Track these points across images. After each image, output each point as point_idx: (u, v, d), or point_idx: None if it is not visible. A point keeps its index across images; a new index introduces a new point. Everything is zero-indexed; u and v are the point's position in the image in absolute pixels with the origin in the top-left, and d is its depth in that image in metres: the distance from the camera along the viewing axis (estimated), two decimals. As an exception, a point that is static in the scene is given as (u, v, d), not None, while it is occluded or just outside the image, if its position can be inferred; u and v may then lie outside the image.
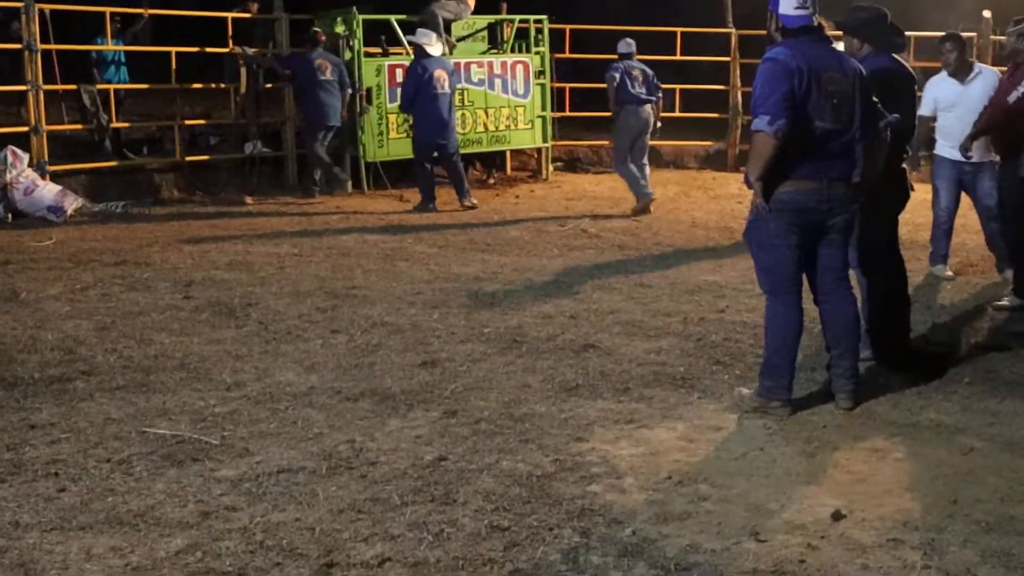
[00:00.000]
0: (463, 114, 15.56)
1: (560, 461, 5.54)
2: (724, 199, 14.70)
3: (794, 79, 5.99)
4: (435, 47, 13.96)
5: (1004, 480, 5.38)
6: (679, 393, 6.64)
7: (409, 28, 14.94)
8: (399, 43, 15.25)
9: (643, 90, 13.59)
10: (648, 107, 13.61)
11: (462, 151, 14.88)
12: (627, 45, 14.00)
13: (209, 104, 17.79)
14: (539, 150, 17.00)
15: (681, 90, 18.58)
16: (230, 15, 15.74)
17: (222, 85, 16.08)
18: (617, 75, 13.54)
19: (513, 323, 8.20)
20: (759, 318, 6.89)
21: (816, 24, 6.23)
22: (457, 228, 12.38)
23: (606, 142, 17.95)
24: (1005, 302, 8.67)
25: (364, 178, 15.20)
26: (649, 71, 13.76)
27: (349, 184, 14.95)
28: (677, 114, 18.47)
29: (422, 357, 7.32)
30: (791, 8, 6.21)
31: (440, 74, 13.73)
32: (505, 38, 16.41)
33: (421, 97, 13.65)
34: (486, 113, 15.75)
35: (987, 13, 17.16)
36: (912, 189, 7.40)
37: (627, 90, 13.49)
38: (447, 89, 13.76)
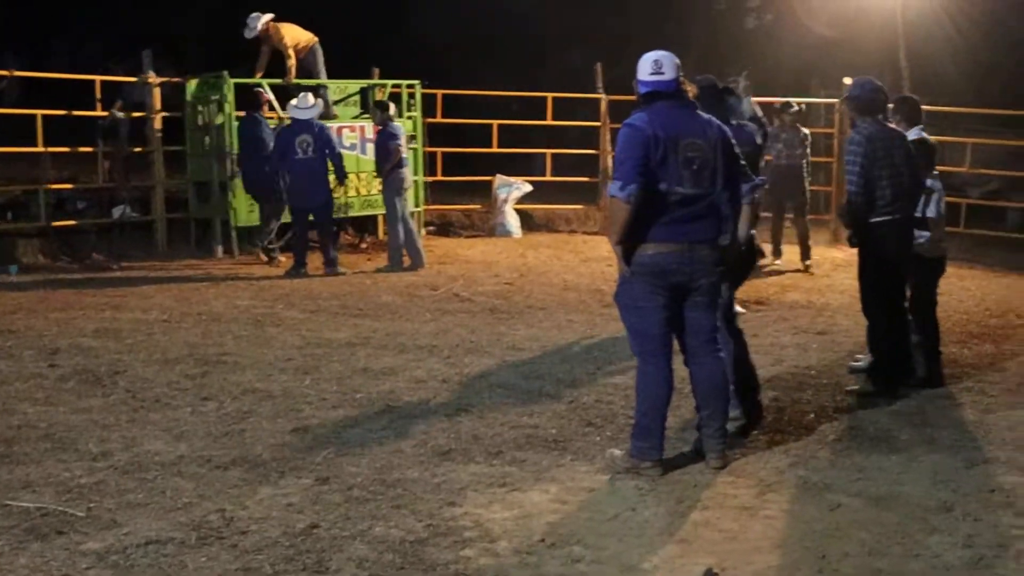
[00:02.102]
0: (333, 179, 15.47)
1: (433, 526, 5.51)
2: (595, 262, 14.85)
3: (649, 146, 6.09)
4: (304, 111, 13.94)
5: (871, 534, 5.47)
6: (551, 455, 6.66)
7: (282, 92, 14.99)
8: (271, 107, 15.22)
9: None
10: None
11: (339, 216, 15.01)
12: (388, 107, 14.58)
13: (76, 168, 17.50)
14: (412, 214, 16.98)
15: (552, 154, 18.77)
16: (99, 78, 15.55)
17: (90, 149, 15.85)
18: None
19: (385, 388, 8.17)
20: (630, 380, 6.96)
21: (676, 89, 6.32)
22: (329, 293, 12.32)
23: (478, 206, 18.08)
24: (860, 363, 8.82)
25: (235, 242, 15.06)
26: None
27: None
28: (548, 178, 18.67)
29: (293, 423, 7.25)
30: (647, 74, 6.32)
31: (303, 138, 13.73)
32: (373, 102, 16.42)
33: (285, 162, 13.70)
34: (358, 177, 15.67)
35: (848, 80, 17.66)
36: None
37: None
38: (310, 153, 13.72)
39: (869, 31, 22.66)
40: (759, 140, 8.12)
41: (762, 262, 14.04)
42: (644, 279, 6.23)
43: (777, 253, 14.89)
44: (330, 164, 13.90)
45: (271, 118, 15.02)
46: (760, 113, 9.08)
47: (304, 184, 13.75)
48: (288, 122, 14.19)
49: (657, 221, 6.16)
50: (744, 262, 7.20)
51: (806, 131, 15.05)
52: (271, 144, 14.17)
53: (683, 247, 6.22)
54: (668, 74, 6.28)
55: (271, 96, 15.03)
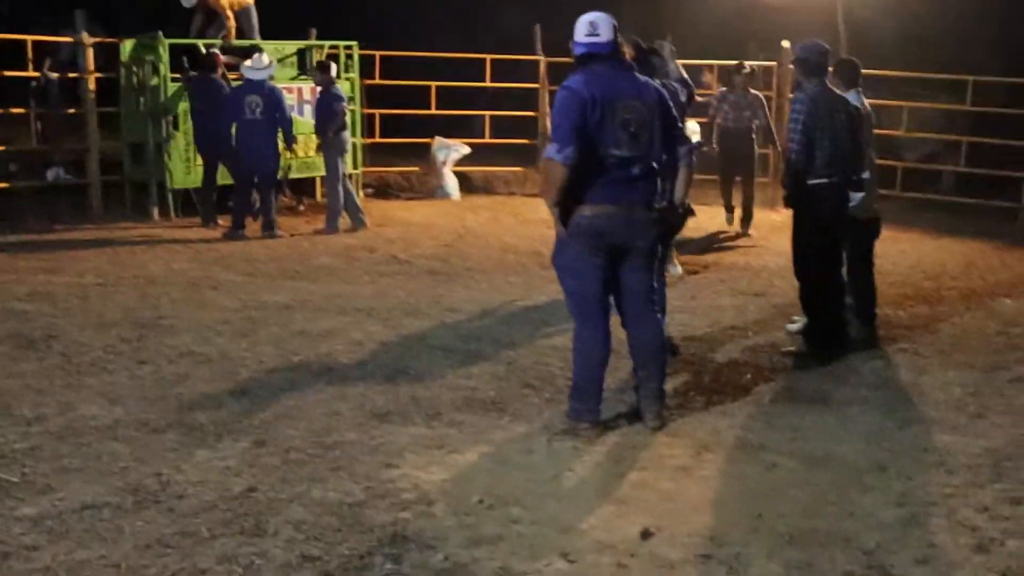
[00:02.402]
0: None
1: (371, 488, 5.52)
2: (534, 224, 14.82)
3: (586, 108, 6.11)
4: (257, 71, 13.87)
5: (806, 494, 5.54)
6: (490, 417, 6.68)
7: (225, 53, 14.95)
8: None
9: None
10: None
11: None
12: (330, 68, 14.56)
13: (8, 131, 17.25)
14: (350, 176, 16.90)
15: (491, 116, 18.73)
16: (30, 38, 15.32)
17: (22, 110, 15.63)
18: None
19: (323, 351, 8.15)
20: (568, 341, 6.97)
21: (612, 51, 6.32)
22: (266, 256, 12.24)
23: (416, 168, 18.01)
24: (795, 325, 8.89)
25: (171, 205, 14.92)
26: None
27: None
28: (487, 140, 18.62)
29: (230, 387, 7.22)
30: (582, 36, 6.32)
31: (253, 99, 13.66)
32: (314, 64, 16.30)
33: (236, 122, 13.66)
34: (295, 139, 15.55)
35: (786, 43, 17.73)
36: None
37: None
38: (257, 115, 13.64)
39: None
40: (683, 99, 8.17)
41: (725, 231, 14.07)
42: (581, 240, 6.25)
43: (729, 214, 14.77)
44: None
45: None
46: (686, 75, 9.09)
47: (251, 145, 13.68)
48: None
49: (594, 183, 6.18)
50: (676, 221, 7.28)
51: (756, 93, 14.89)
52: None
53: (620, 209, 6.24)
54: (604, 36, 6.28)
55: (223, 58, 14.90)
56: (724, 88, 14.72)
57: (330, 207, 14.20)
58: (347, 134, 14.40)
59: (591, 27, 6.29)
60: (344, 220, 14.11)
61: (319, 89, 14.45)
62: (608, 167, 6.19)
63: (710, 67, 18.47)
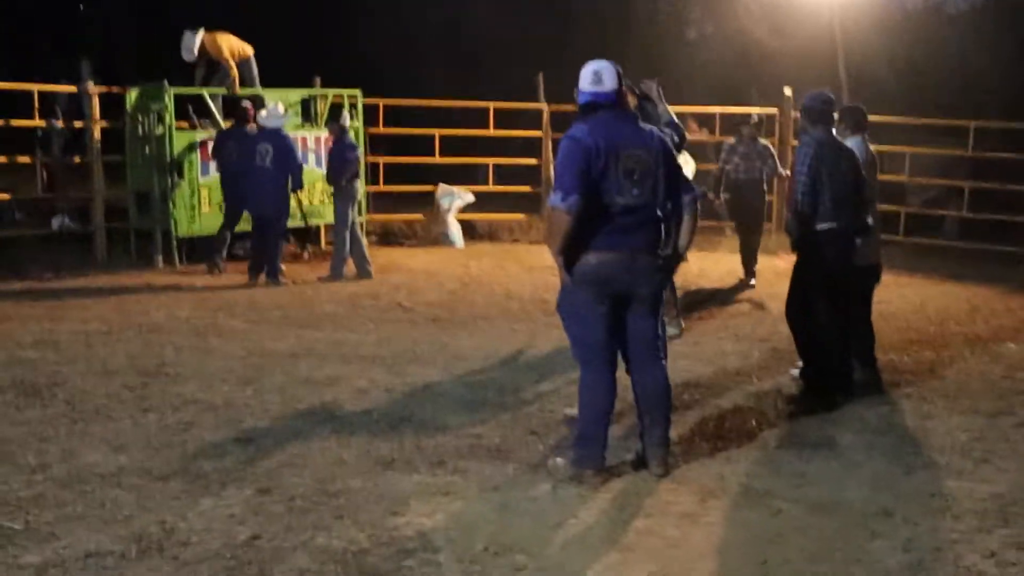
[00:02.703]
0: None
1: (376, 536, 5.50)
2: (538, 271, 14.83)
3: (591, 156, 6.14)
4: (273, 120, 14.10)
5: (811, 540, 5.52)
6: (495, 464, 6.66)
7: (227, 102, 15.02)
8: (211, 117, 15.21)
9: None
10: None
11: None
12: (344, 118, 14.70)
13: (14, 178, 17.33)
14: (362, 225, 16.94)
15: (494, 164, 18.80)
16: (36, 87, 15.42)
17: (27, 159, 15.70)
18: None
19: (328, 398, 8.14)
20: (573, 388, 6.97)
21: (616, 100, 6.37)
22: (271, 303, 12.26)
23: (420, 216, 18.06)
24: (795, 371, 8.88)
25: (176, 253, 14.95)
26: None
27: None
28: (491, 188, 18.69)
29: (235, 434, 7.21)
30: (587, 84, 6.38)
31: (264, 147, 13.82)
32: (319, 112, 16.40)
33: (246, 168, 13.85)
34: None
35: (788, 90, 17.83)
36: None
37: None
38: (267, 163, 13.78)
39: (808, 42, 22.89)
40: (676, 140, 8.25)
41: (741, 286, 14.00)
42: (586, 288, 6.27)
43: (749, 275, 14.35)
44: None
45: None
46: (676, 118, 9.13)
47: (258, 191, 13.84)
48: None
49: (599, 231, 6.20)
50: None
51: (765, 143, 14.84)
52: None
53: (624, 256, 6.27)
54: (608, 84, 6.33)
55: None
56: (733, 139, 14.71)
57: (335, 254, 14.23)
58: (359, 182, 14.49)
59: (595, 76, 6.34)
60: (349, 268, 14.13)
61: (332, 138, 14.57)
62: (612, 215, 6.22)
63: (694, 115, 18.45)
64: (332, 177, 14.37)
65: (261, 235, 14.06)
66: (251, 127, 14.36)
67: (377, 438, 7.15)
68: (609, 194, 6.19)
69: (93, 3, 29.15)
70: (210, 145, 14.88)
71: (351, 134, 14.65)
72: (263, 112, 14.31)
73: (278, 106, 14.39)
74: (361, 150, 16.07)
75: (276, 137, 13.98)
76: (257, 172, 13.80)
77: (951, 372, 9.33)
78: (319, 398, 8.14)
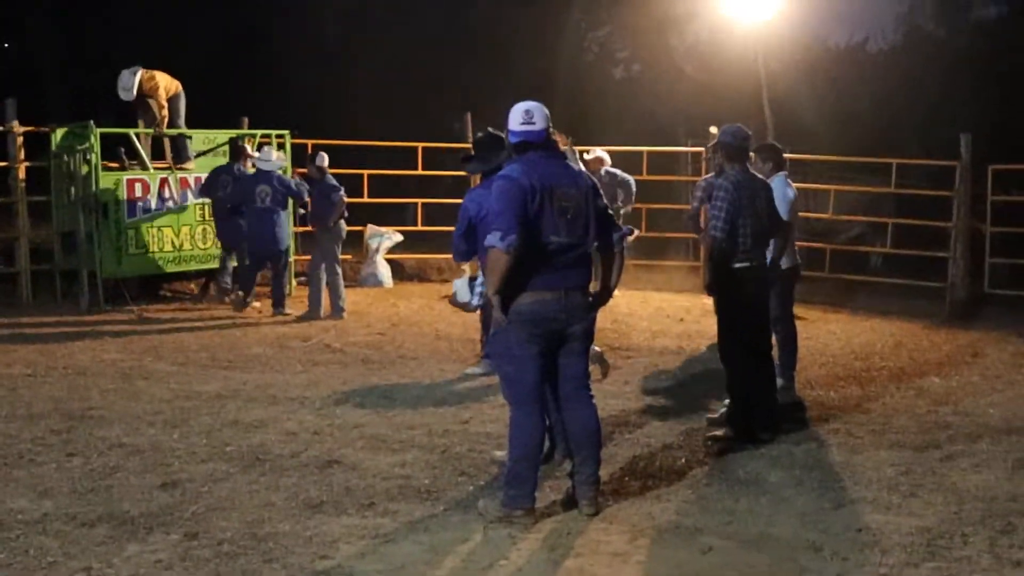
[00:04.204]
0: (203, 228, 15.49)
1: (305, 580, 5.45)
2: (467, 312, 14.83)
3: (527, 196, 6.17)
4: (267, 163, 14.52)
5: (741, 578, 5.54)
6: (425, 506, 6.63)
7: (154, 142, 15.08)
8: (137, 157, 15.12)
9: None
10: None
11: (206, 267, 15.58)
12: (322, 159, 14.75)
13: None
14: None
15: (423, 204, 18.80)
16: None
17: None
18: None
19: (256, 441, 8.08)
20: (503, 428, 6.96)
21: (546, 139, 6.41)
22: (198, 345, 12.16)
23: (349, 256, 18.00)
24: (716, 415, 8.89)
25: (101, 294, 14.79)
26: None
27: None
28: (419, 227, 18.69)
29: (162, 479, 7.12)
30: (517, 124, 6.41)
31: (263, 188, 14.27)
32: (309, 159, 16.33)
33: (248, 210, 14.36)
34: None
35: (713, 128, 17.99)
36: None
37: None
38: (268, 203, 14.26)
39: (734, 80, 23.17)
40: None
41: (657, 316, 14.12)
42: (521, 327, 6.29)
43: None
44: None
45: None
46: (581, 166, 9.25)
47: (267, 231, 14.30)
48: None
49: (534, 270, 6.23)
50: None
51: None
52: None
53: (559, 295, 6.31)
54: (538, 124, 6.38)
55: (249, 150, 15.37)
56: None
57: (311, 292, 14.44)
58: (343, 223, 14.62)
59: (526, 115, 6.38)
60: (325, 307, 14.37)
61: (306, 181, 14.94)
62: (547, 254, 6.25)
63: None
64: (315, 219, 14.63)
65: (257, 268, 14.73)
66: (247, 166, 14.96)
67: (306, 480, 7.10)
68: (544, 233, 6.22)
69: (17, 41, 28.90)
70: (137, 186, 14.85)
71: (331, 175, 14.67)
72: (256, 154, 14.85)
73: (270, 150, 14.88)
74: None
75: (273, 179, 14.41)
76: (259, 213, 14.28)
77: (877, 407, 9.42)
78: (247, 441, 8.07)
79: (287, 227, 14.75)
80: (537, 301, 6.27)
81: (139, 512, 6.46)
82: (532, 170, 6.27)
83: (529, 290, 6.27)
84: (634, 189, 15.64)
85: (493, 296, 6.26)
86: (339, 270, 14.45)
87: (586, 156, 15.16)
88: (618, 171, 15.70)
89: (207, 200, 15.32)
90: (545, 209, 6.22)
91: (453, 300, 8.14)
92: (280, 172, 14.74)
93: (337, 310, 14.31)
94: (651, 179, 18.31)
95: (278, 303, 14.51)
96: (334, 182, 14.50)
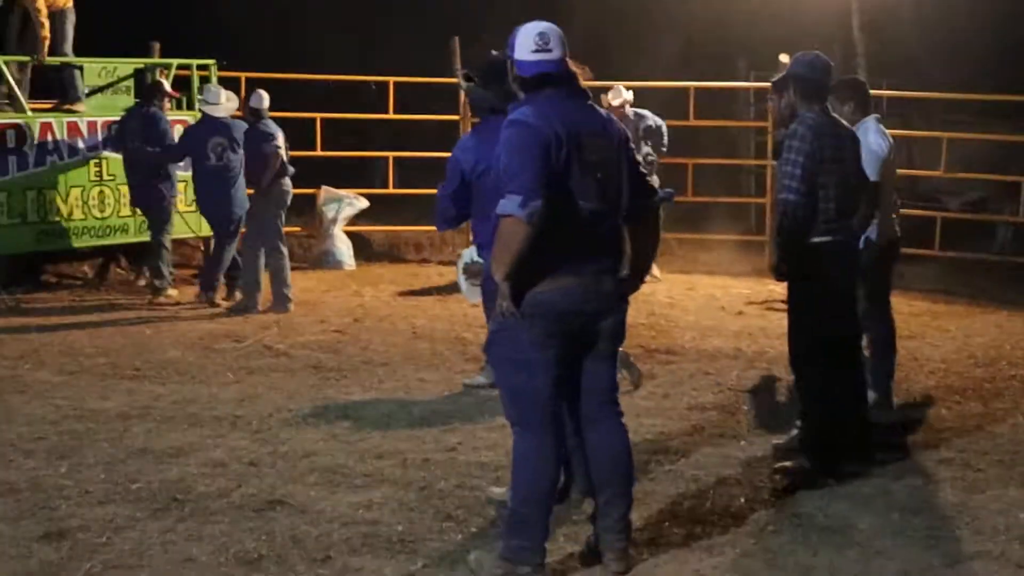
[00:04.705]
0: (101, 191, 15.46)
1: (237, 662, 5.46)
2: (455, 301, 14.82)
3: (550, 148, 6.07)
4: (215, 107, 14.70)
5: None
6: (397, 560, 6.64)
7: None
8: (11, 95, 15.13)
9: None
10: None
11: (103, 241, 15.68)
12: (259, 99, 14.77)
13: None
14: (207, 240, 16.85)
15: (396, 159, 18.76)
16: None
17: None
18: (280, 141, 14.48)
19: (172, 475, 8.07)
20: (503, 457, 6.96)
21: (566, 73, 6.35)
22: (94, 347, 12.18)
23: (297, 228, 17.99)
24: (783, 440, 8.88)
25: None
26: None
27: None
28: (391, 191, 18.66)
29: (44, 527, 7.10)
30: (528, 51, 6.27)
31: (218, 141, 14.54)
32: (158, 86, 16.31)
33: (197, 168, 14.73)
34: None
35: (784, 57, 17.91)
36: None
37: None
38: (225, 160, 14.53)
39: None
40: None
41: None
42: (536, 324, 6.19)
43: None
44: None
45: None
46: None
47: (222, 194, 14.54)
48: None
49: (556, 247, 6.11)
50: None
51: None
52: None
53: (587, 280, 6.23)
54: (556, 51, 6.27)
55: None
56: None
57: (246, 277, 14.53)
58: (287, 182, 14.68)
59: (540, 40, 6.24)
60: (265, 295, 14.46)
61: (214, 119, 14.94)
62: (574, 226, 6.16)
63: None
64: (249, 177, 14.75)
65: (217, 242, 14.98)
66: (165, 108, 15.18)
67: (239, 528, 7.10)
68: (570, 197, 6.16)
69: None
70: (9, 134, 14.80)
71: (269, 119, 14.76)
72: (201, 97, 15.12)
73: (218, 91, 14.94)
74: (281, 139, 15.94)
75: (226, 129, 14.63)
76: (213, 173, 14.57)
77: (1004, 430, 9.42)
78: (160, 475, 8.07)
79: (243, 189, 14.85)
80: (559, 289, 6.18)
81: (13, 572, 6.45)
82: (552, 113, 6.16)
83: (548, 274, 6.18)
84: (666, 137, 15.62)
85: (503, 282, 6.19)
86: (283, 248, 14.50)
87: (608, 96, 15.16)
88: (647, 113, 15.69)
89: (112, 155, 15.40)
90: (572, 165, 6.14)
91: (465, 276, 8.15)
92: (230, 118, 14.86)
93: (281, 301, 14.37)
94: (700, 125, 18.34)
95: (208, 286, 14.70)
96: (271, 128, 14.54)
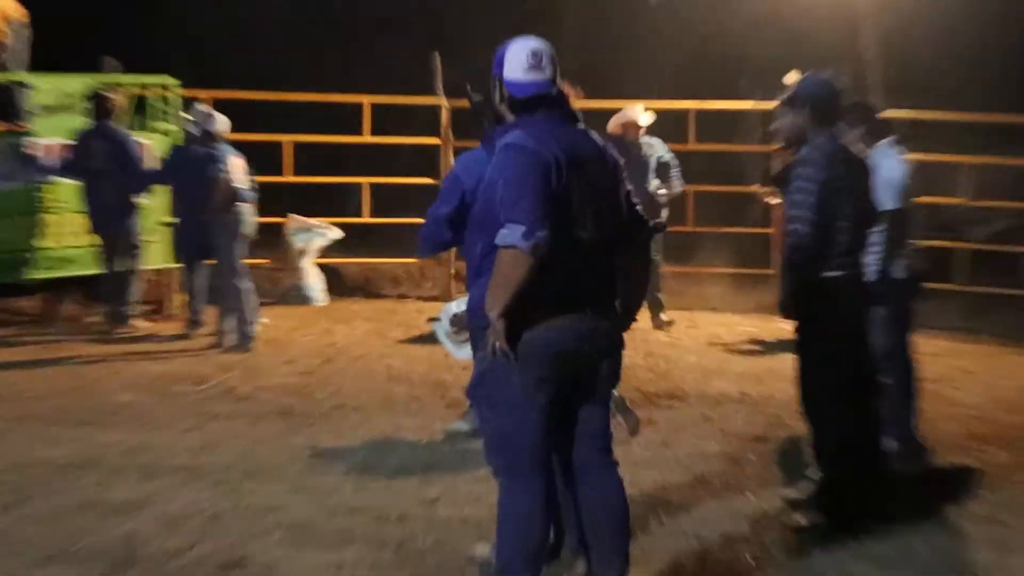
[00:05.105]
0: (53, 220, 15.40)
1: None
2: (435, 341, 14.72)
3: (550, 174, 6.03)
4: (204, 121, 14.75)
5: None
6: (372, 629, 6.55)
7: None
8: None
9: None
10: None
11: (55, 273, 15.59)
12: (210, 120, 14.85)
13: None
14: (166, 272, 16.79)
15: (372, 186, 18.71)
16: None
17: None
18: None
19: (123, 531, 7.99)
20: (488, 512, 6.86)
21: (559, 94, 6.30)
22: (38, 391, 12.14)
23: (264, 261, 17.93)
24: (793, 491, 8.82)
25: None
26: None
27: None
28: (366, 220, 18.62)
29: (-18, 591, 7.02)
30: (522, 70, 6.26)
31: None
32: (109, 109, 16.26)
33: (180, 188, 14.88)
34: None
35: (793, 76, 17.88)
36: None
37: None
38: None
39: (819, 8, 23.09)
40: None
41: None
42: (528, 366, 6.16)
43: None
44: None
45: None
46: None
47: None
48: None
49: (550, 282, 6.08)
50: None
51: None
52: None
53: (583, 318, 6.23)
54: (548, 71, 6.30)
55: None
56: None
57: (240, 315, 14.53)
58: (243, 209, 14.69)
59: (533, 59, 6.27)
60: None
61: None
62: (571, 258, 6.13)
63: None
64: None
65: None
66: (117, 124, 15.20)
67: (197, 591, 7.00)
68: (569, 228, 6.10)
69: None
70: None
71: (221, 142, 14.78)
72: (186, 115, 15.27)
73: (209, 112, 15.05)
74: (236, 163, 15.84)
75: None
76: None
77: (1038, 482, 9.36)
78: (109, 531, 7.98)
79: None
80: (555, 327, 6.17)
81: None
82: (549, 137, 6.16)
83: (543, 312, 6.15)
84: (678, 171, 15.53)
85: (497, 319, 6.11)
86: (244, 282, 14.47)
87: (632, 113, 15.10)
88: (657, 142, 15.59)
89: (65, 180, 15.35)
90: (574, 192, 6.11)
91: (442, 330, 8.09)
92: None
93: (243, 339, 14.35)
94: (700, 149, 18.32)
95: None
96: (220, 151, 14.61)
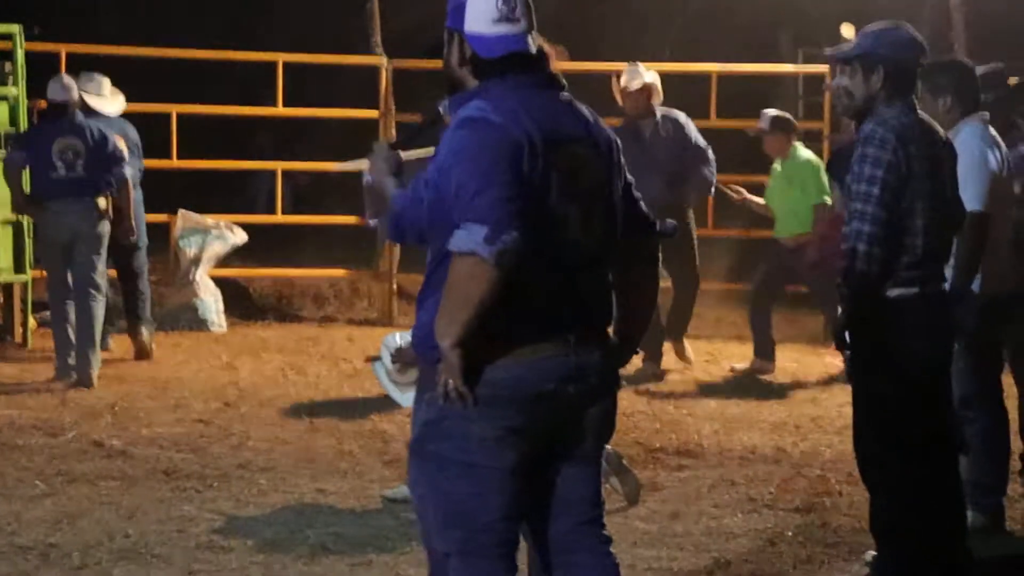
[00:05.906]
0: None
1: None
2: (369, 377, 14.74)
3: (522, 157, 5.91)
4: (105, 101, 15.25)
5: None
6: None
7: None
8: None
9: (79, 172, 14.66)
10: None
11: None
12: (63, 89, 14.83)
13: None
14: (7, 288, 16.74)
15: (286, 171, 18.71)
16: None
17: None
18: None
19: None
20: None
21: (537, 54, 6.23)
22: None
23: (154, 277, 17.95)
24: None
25: None
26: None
27: None
28: (280, 219, 18.62)
29: None
30: (489, 20, 6.10)
31: (69, 144, 14.53)
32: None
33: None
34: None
35: (847, 29, 17.90)
36: None
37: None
38: (79, 171, 14.52)
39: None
40: None
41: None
42: (496, 413, 6.06)
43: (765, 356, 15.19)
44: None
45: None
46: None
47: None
48: None
49: (524, 301, 5.98)
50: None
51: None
52: None
53: (564, 348, 6.08)
54: (523, 22, 6.15)
55: None
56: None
57: (57, 338, 14.70)
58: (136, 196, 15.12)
59: (504, 5, 6.11)
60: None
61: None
62: (549, 270, 6.02)
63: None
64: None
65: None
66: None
67: None
68: (545, 229, 5.98)
69: None
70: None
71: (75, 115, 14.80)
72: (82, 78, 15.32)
73: (102, 81, 15.47)
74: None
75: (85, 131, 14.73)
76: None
77: None
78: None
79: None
80: (528, 362, 6.03)
81: None
82: (519, 108, 6.02)
83: (513, 340, 6.04)
84: (712, 160, 15.37)
85: (451, 350, 6.01)
86: (99, 291, 14.71)
87: (626, 80, 15.06)
88: (682, 116, 15.43)
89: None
90: (551, 181, 6.00)
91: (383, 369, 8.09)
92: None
93: (83, 374, 14.46)
94: (724, 126, 18.34)
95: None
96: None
